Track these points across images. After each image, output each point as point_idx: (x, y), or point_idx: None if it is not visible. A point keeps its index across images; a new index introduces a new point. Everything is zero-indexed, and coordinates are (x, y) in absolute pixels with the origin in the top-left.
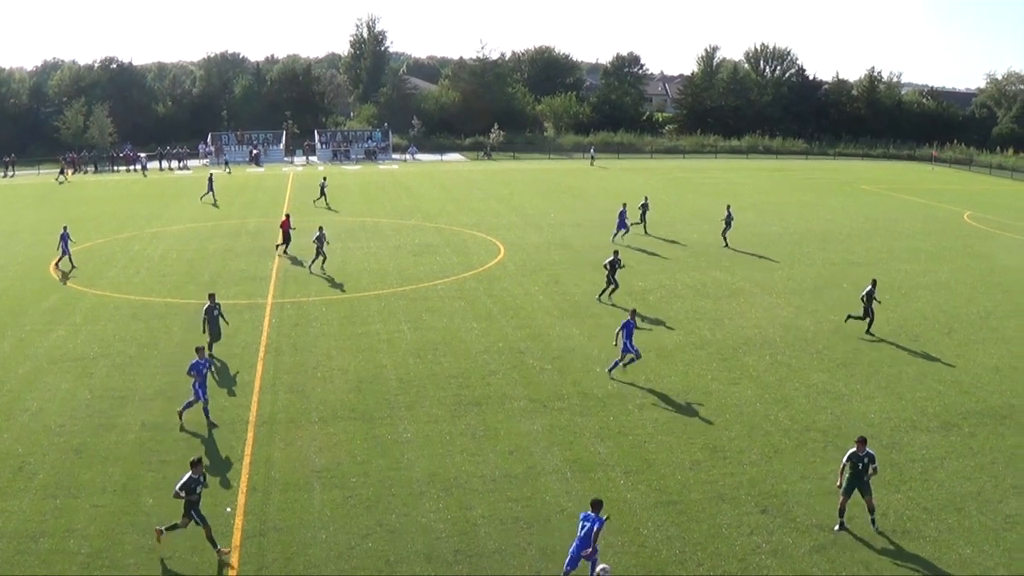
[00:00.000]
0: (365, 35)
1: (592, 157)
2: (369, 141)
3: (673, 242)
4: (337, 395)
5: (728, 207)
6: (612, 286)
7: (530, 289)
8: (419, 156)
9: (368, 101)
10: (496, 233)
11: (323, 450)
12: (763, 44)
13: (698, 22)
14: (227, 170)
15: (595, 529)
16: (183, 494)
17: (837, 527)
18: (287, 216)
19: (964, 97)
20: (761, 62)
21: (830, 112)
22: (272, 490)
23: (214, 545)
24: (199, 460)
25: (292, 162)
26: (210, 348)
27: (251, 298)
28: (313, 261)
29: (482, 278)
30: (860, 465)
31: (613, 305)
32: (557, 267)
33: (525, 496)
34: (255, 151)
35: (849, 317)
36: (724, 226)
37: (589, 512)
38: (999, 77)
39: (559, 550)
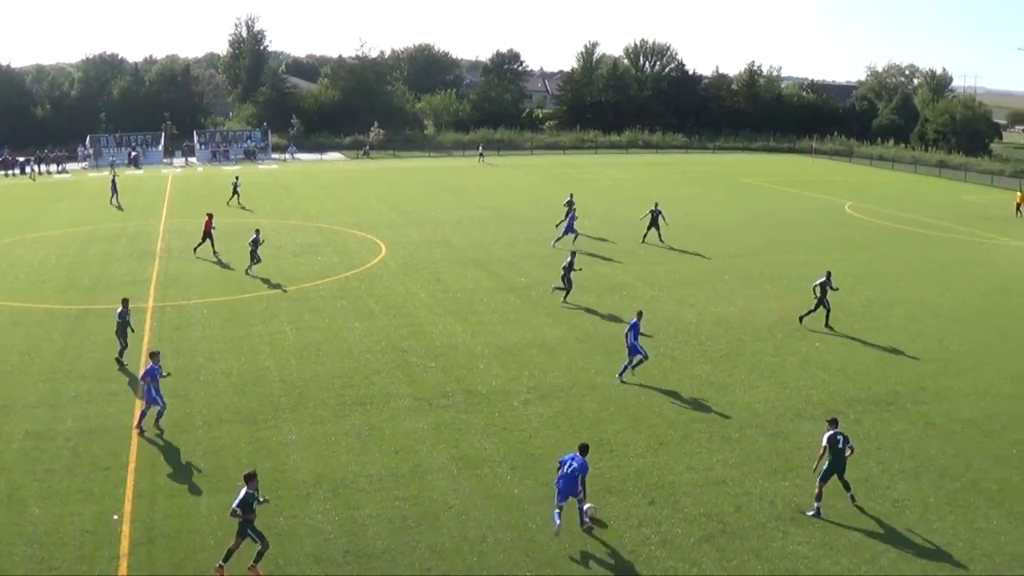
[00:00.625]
0: (244, 34)
1: (481, 154)
2: (248, 141)
3: (555, 238)
4: (221, 398)
5: (656, 204)
6: (567, 288)
7: (412, 287)
8: (299, 155)
9: (247, 101)
10: (377, 232)
11: (208, 454)
12: (642, 40)
13: (578, 19)
14: (113, 172)
15: (581, 472)
16: (240, 512)
17: (812, 512)
18: (209, 216)
19: (845, 90)
20: (641, 57)
21: (710, 106)
22: (158, 496)
23: (256, 560)
24: (254, 474)
25: (171, 163)
26: (121, 355)
27: (132, 302)
28: (251, 264)
29: (364, 277)
30: (839, 444)
31: (564, 303)
32: (438, 265)
33: (412, 495)
34: (134, 153)
35: (802, 317)
36: (651, 224)
37: (576, 454)
38: (879, 70)
39: (448, 547)
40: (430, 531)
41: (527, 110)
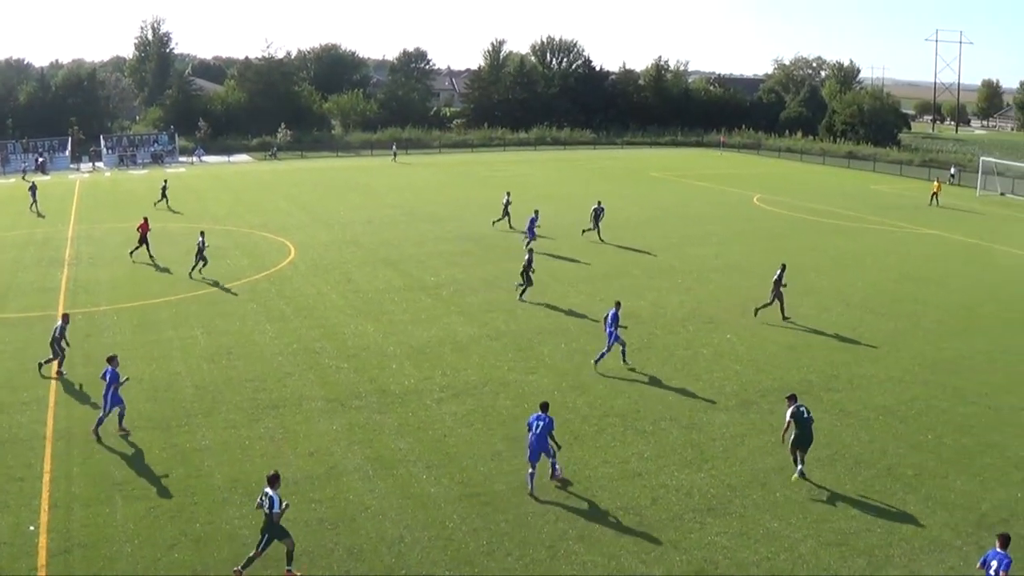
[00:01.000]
0: (150, 37)
1: (394, 153)
2: (155, 145)
3: (464, 237)
4: (133, 405)
5: (599, 202)
6: (527, 285)
7: (322, 288)
8: (206, 158)
9: (154, 104)
10: (286, 233)
11: (122, 462)
12: (549, 37)
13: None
14: (27, 179)
15: (549, 429)
16: (278, 512)
17: (797, 474)
18: (145, 219)
19: (752, 83)
20: (548, 54)
21: (617, 102)
22: (74, 506)
23: (289, 560)
24: (277, 475)
25: (79, 169)
26: (60, 366)
27: (43, 310)
28: (194, 266)
29: (274, 279)
30: (804, 416)
31: (521, 300)
32: (348, 265)
33: (328, 497)
34: (41, 159)
35: (757, 310)
36: (594, 221)
37: (540, 413)
38: (787, 63)
39: (366, 549)
40: (347, 532)
41: (435, 108)
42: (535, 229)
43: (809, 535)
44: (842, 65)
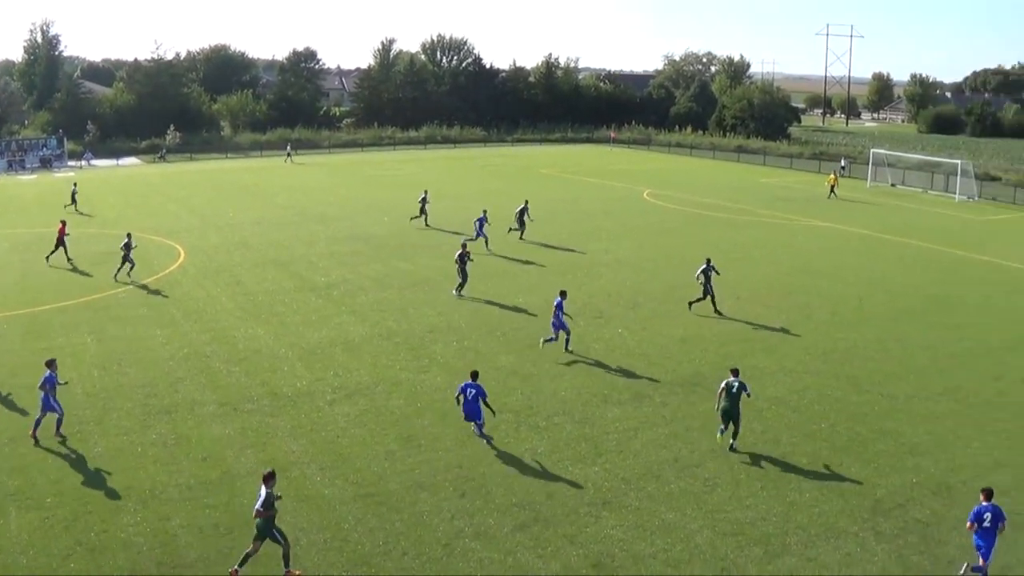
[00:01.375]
0: (39, 40)
1: (289, 154)
2: (44, 149)
3: (354, 236)
4: (25, 415)
5: (525, 201)
6: (462, 279)
7: (212, 291)
8: (95, 162)
9: (43, 108)
10: (175, 236)
11: (15, 471)
12: (440, 35)
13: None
14: None
15: (482, 396)
16: (264, 510)
17: (719, 435)
18: (63, 223)
19: (642, 79)
20: (438, 52)
21: (508, 99)
22: None
23: (287, 564)
24: (273, 473)
25: None
26: None
27: None
28: (119, 268)
29: (164, 283)
30: (733, 390)
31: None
32: (238, 268)
33: (222, 502)
34: None
35: (691, 304)
36: (519, 221)
37: (470, 381)
38: (677, 58)
39: (263, 553)
40: (243, 537)
41: (324, 108)
42: (483, 227)
43: (705, 525)
44: (732, 60)
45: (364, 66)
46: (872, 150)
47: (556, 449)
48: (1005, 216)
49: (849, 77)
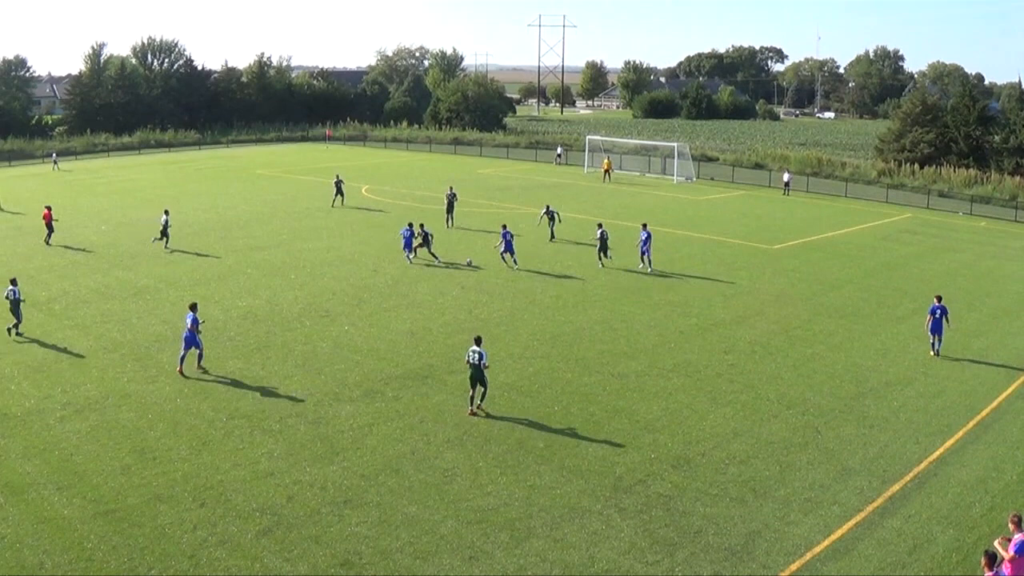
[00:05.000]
0: None
1: (55, 162)
2: None
3: (73, 247)
4: None
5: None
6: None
7: None
8: None
9: None
10: None
11: None
12: (151, 38)
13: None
14: None
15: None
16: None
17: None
18: (48, 208)
19: (357, 75)
20: (149, 56)
21: (221, 100)
22: None
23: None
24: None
25: None
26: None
27: None
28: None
29: None
30: (469, 361)
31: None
32: None
33: None
34: None
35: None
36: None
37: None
38: (390, 53)
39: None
40: None
41: (36, 117)
42: (412, 242)
43: (448, 516)
44: (445, 53)
45: (75, 72)
46: (587, 136)
47: (292, 451)
48: (723, 195)
49: (563, 66)
